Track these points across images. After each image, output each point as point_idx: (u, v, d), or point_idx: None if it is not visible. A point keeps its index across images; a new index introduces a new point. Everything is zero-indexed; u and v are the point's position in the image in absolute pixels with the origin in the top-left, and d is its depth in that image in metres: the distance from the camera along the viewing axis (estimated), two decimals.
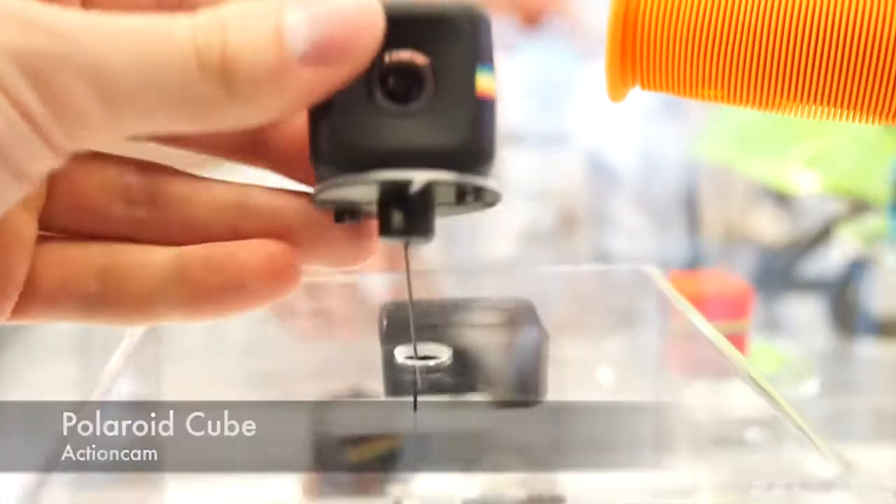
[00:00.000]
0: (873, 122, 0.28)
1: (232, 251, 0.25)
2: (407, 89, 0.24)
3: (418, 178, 0.23)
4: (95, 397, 0.31)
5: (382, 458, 0.54)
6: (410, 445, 0.55)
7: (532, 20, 0.93)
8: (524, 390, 0.27)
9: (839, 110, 0.27)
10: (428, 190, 0.24)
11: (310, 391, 0.55)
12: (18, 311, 0.26)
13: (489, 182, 0.24)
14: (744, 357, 0.34)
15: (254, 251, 0.25)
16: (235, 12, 0.22)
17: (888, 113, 0.28)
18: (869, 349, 0.72)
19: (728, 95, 0.28)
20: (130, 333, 0.38)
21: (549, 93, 0.96)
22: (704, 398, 0.50)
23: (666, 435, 0.48)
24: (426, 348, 0.30)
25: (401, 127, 0.24)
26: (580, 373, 0.50)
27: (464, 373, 0.29)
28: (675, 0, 0.27)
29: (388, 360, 0.29)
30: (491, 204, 0.25)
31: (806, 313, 0.79)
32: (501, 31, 0.94)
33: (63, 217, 0.26)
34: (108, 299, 0.25)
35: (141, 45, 0.21)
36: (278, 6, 0.22)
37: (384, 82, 0.24)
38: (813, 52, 0.27)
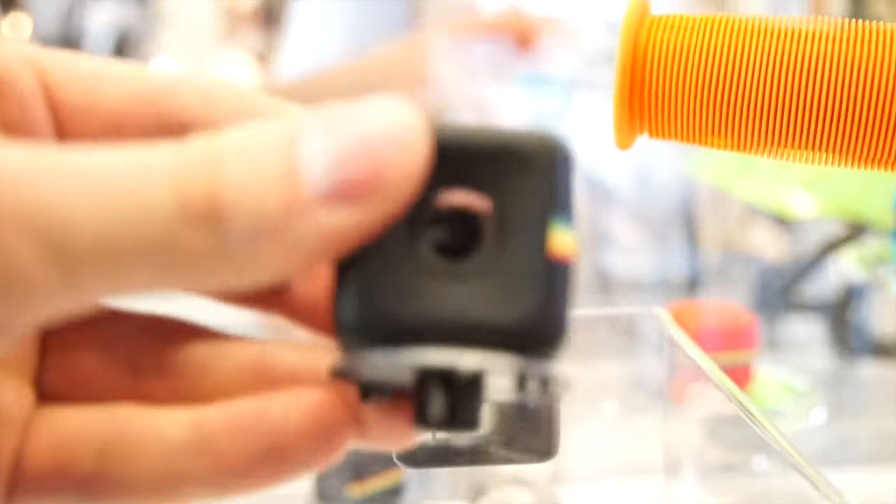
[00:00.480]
0: (880, 169, 0.28)
1: (265, 407, 0.19)
2: (460, 242, 0.19)
3: (466, 363, 0.18)
4: None
5: (384, 494, 0.54)
6: (412, 481, 0.55)
7: (526, 42, 0.93)
8: (535, 451, 0.26)
9: (844, 158, 0.27)
10: (478, 377, 0.19)
11: None
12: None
13: (557, 370, 0.19)
14: (745, 396, 0.35)
15: (294, 405, 0.19)
16: (235, 139, 0.17)
17: (891, 161, 0.28)
18: (868, 370, 0.72)
19: (736, 144, 0.28)
20: None
21: (545, 113, 0.96)
22: (710, 428, 0.50)
23: (672, 462, 0.48)
24: None
25: (449, 292, 0.18)
26: (587, 404, 0.50)
27: (473, 435, 0.29)
28: (682, 52, 0.27)
29: None
30: (557, 396, 0.20)
31: (805, 334, 0.79)
32: (495, 53, 0.95)
33: (57, 385, 0.20)
34: (110, 483, 0.19)
35: (105, 188, 0.16)
36: (291, 132, 0.17)
37: (430, 232, 0.18)
38: (816, 103, 0.27)
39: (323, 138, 0.17)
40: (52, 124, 0.21)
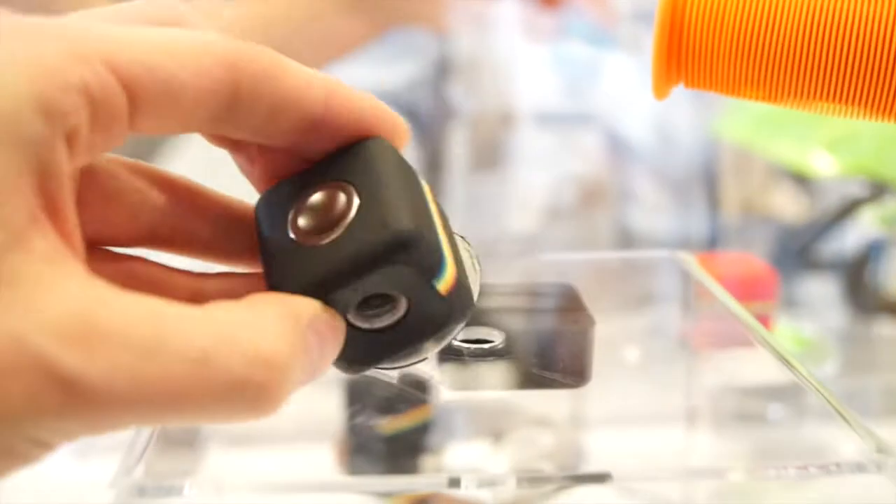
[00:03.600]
0: None
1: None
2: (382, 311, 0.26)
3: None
4: None
5: (412, 431, 0.56)
6: (438, 419, 0.57)
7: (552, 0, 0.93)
8: (571, 374, 0.28)
9: (879, 112, 0.28)
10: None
11: None
12: None
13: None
14: (773, 337, 0.36)
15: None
16: (246, 334, 0.22)
17: None
18: (885, 329, 0.73)
19: (772, 96, 0.29)
20: None
21: (570, 71, 0.97)
22: (728, 375, 0.51)
23: (692, 409, 0.50)
24: (478, 331, 0.31)
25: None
26: (609, 350, 0.51)
27: (516, 356, 0.30)
28: (723, 3, 0.29)
29: None
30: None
31: (822, 292, 0.80)
32: (522, 11, 0.95)
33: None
34: None
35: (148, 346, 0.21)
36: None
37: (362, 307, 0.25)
38: (854, 54, 0.28)
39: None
40: (127, 127, 0.23)
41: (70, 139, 0.21)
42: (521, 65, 0.95)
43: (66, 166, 0.21)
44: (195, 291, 0.27)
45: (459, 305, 0.25)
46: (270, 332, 0.22)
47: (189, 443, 0.44)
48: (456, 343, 0.31)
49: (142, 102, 0.23)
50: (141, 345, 0.20)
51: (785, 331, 0.63)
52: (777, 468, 0.27)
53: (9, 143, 0.20)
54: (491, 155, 0.94)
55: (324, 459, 0.56)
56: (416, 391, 0.51)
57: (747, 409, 0.54)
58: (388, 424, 0.54)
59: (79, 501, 0.53)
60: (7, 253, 0.19)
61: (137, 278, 0.26)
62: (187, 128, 0.25)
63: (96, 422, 0.20)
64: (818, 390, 0.32)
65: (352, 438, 0.56)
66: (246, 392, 0.21)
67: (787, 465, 0.27)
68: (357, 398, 0.55)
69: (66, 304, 0.20)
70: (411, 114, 0.94)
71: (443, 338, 0.26)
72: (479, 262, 0.27)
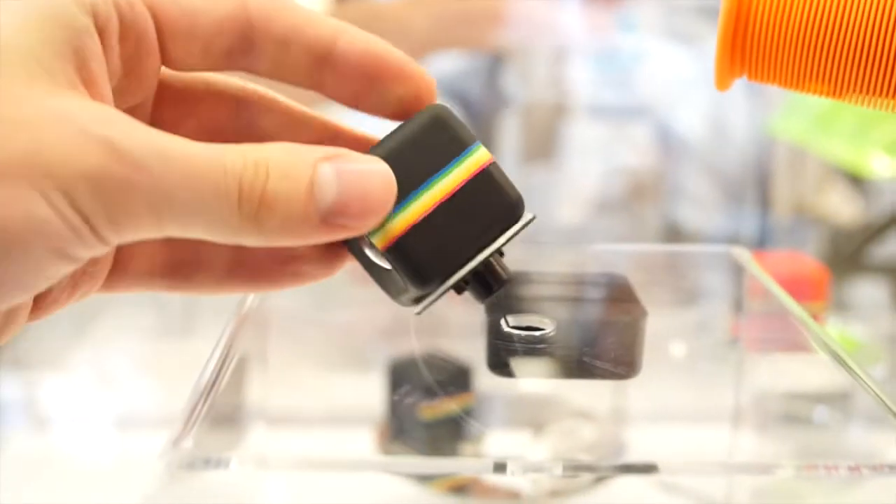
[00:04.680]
0: None
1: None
2: None
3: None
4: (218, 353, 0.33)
5: (453, 418, 0.56)
6: (480, 408, 0.57)
7: None
8: (621, 364, 0.28)
9: None
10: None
11: (386, 349, 0.57)
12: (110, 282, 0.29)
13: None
14: (829, 336, 0.35)
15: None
16: (279, 158, 0.25)
17: None
18: None
19: (837, 90, 0.29)
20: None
21: (624, 63, 0.96)
22: (777, 375, 0.51)
23: (738, 409, 0.49)
24: (530, 319, 0.31)
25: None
26: (656, 345, 0.51)
27: (567, 345, 0.30)
28: None
29: (494, 329, 0.31)
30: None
31: (874, 296, 0.79)
32: (580, 6, 0.95)
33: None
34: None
35: (196, 176, 0.24)
36: (314, 159, 0.25)
37: None
38: None
39: (333, 167, 0.25)
40: (158, 50, 0.27)
41: (101, 33, 0.25)
42: (574, 56, 0.95)
43: (100, 54, 0.25)
44: None
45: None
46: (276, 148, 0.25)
47: (235, 421, 0.44)
48: (506, 329, 0.31)
49: (165, 27, 0.26)
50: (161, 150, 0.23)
51: (834, 333, 0.62)
52: (828, 467, 0.27)
53: (56, 27, 0.24)
54: (542, 145, 0.94)
55: (364, 442, 0.56)
56: (461, 378, 0.51)
57: (795, 410, 0.54)
58: (430, 410, 0.54)
59: (122, 472, 0.54)
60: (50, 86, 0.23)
61: None
62: (209, 59, 0.27)
63: (128, 187, 0.23)
64: (872, 390, 0.31)
65: (393, 423, 0.56)
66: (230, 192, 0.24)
67: (839, 464, 0.26)
68: (400, 382, 0.55)
69: (103, 107, 0.24)
70: (463, 102, 0.93)
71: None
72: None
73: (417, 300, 0.28)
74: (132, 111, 0.28)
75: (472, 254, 0.28)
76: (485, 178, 0.28)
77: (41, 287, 0.24)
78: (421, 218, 0.27)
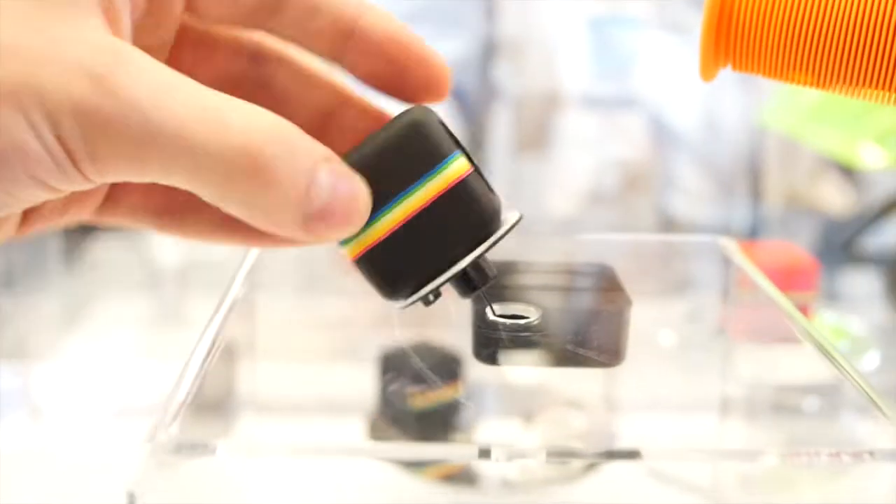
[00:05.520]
0: None
1: None
2: None
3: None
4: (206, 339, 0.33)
5: (444, 407, 0.56)
6: (470, 396, 0.57)
7: None
8: (606, 353, 0.28)
9: None
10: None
11: (377, 339, 0.57)
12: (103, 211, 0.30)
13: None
14: (815, 328, 0.35)
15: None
16: (289, 135, 0.24)
17: None
18: None
19: (822, 81, 0.29)
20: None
21: (615, 54, 0.96)
22: (764, 365, 0.51)
23: (726, 398, 0.49)
24: (515, 308, 0.32)
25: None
26: (645, 334, 0.51)
27: (552, 333, 0.30)
28: None
29: (480, 317, 0.31)
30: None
31: (865, 286, 0.79)
32: None
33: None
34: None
35: (192, 125, 0.23)
36: (319, 156, 0.25)
37: None
38: None
39: (328, 181, 0.25)
40: None
41: None
42: (566, 47, 0.95)
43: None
44: None
45: None
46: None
47: (224, 410, 0.44)
48: (492, 318, 0.31)
49: None
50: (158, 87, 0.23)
51: (826, 323, 0.62)
52: (809, 454, 0.27)
53: None
54: (535, 136, 0.94)
55: (354, 431, 0.56)
56: (450, 365, 0.51)
57: (782, 401, 0.54)
58: (420, 400, 0.54)
59: (115, 461, 0.54)
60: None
61: None
62: (236, 13, 0.28)
63: (114, 128, 0.23)
64: (856, 381, 0.31)
65: (383, 412, 0.56)
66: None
67: (820, 451, 0.27)
68: (390, 369, 0.55)
69: (109, 38, 0.23)
70: (456, 93, 0.93)
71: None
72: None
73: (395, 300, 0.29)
74: (150, 49, 0.27)
75: (443, 267, 0.28)
76: (460, 191, 0.27)
77: (16, 209, 0.25)
78: (391, 232, 0.27)
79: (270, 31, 0.29)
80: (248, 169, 0.24)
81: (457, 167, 0.27)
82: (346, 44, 0.28)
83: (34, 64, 0.22)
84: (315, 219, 0.25)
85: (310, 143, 0.25)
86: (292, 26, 0.28)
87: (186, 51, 0.29)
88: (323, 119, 0.30)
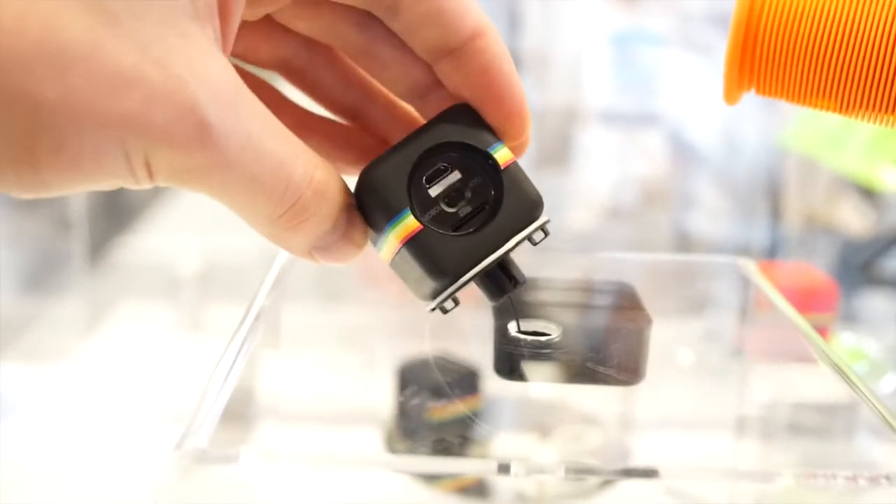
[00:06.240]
0: None
1: None
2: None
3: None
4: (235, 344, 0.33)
5: (461, 420, 0.56)
6: (488, 411, 0.57)
7: None
8: (625, 371, 0.28)
9: None
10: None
11: (396, 351, 0.57)
12: None
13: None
14: (831, 347, 0.35)
15: None
16: (332, 190, 0.27)
17: None
18: None
19: (844, 107, 0.29)
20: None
21: (638, 72, 0.96)
22: (781, 386, 0.51)
23: (742, 417, 0.50)
24: (537, 324, 0.32)
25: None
26: (662, 353, 0.51)
27: (572, 351, 0.31)
28: (796, 9, 0.29)
29: (501, 333, 0.31)
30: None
31: (884, 308, 0.79)
32: (594, 5, 0.95)
33: None
34: None
35: (260, 181, 0.25)
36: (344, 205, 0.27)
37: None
38: None
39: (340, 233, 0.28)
40: None
41: None
42: (588, 62, 0.95)
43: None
44: (300, 120, 0.31)
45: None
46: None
47: (246, 418, 0.45)
48: (513, 334, 0.31)
49: None
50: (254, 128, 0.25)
51: (844, 345, 0.62)
52: (826, 476, 0.27)
53: None
54: (555, 151, 0.94)
55: (372, 442, 0.57)
56: (470, 379, 0.52)
57: (799, 421, 0.54)
58: (437, 412, 0.54)
59: (135, 466, 0.55)
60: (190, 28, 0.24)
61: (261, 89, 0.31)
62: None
63: (201, 168, 0.24)
64: (872, 404, 0.31)
65: (400, 423, 0.56)
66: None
67: (836, 473, 0.27)
68: (408, 383, 0.55)
69: (223, 73, 0.24)
70: None
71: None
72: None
73: (434, 295, 0.29)
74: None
75: (489, 250, 0.28)
76: (508, 175, 0.29)
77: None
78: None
79: (381, 18, 0.29)
80: (289, 214, 0.26)
81: (504, 153, 0.29)
82: (449, 53, 0.29)
83: (147, 104, 0.23)
84: (318, 251, 0.28)
85: (340, 194, 0.27)
86: (402, 23, 0.28)
87: (302, 5, 0.30)
88: (422, 92, 0.31)
